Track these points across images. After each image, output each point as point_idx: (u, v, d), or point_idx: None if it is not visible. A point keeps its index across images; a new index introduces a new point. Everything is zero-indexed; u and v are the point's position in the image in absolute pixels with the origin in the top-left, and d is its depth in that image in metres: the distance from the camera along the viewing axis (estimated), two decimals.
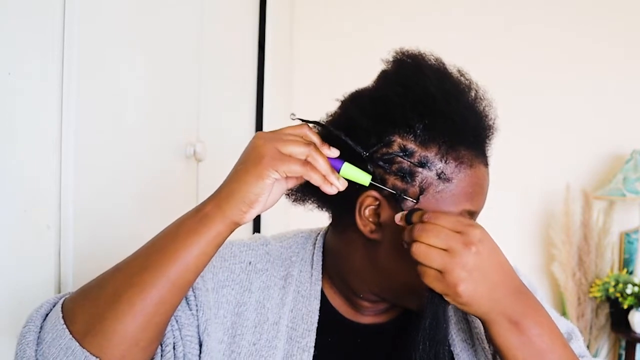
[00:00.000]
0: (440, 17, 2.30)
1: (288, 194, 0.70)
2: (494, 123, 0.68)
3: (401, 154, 0.62)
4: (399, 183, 0.63)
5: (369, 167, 0.63)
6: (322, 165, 0.59)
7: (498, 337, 0.59)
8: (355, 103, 0.67)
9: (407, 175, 0.62)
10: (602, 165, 2.23)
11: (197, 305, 0.68)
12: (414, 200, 0.62)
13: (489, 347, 0.69)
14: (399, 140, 0.62)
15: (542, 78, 2.23)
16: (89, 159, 0.94)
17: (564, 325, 0.74)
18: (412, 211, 0.61)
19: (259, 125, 1.92)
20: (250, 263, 0.73)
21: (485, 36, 2.26)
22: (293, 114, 0.66)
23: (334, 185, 0.60)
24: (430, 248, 0.57)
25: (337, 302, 0.74)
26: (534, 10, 2.25)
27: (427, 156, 0.62)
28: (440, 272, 0.56)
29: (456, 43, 2.11)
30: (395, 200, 0.63)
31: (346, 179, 0.62)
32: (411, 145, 0.62)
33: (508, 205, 2.27)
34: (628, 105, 2.20)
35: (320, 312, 0.71)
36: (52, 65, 0.86)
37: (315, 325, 0.69)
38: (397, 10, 2.32)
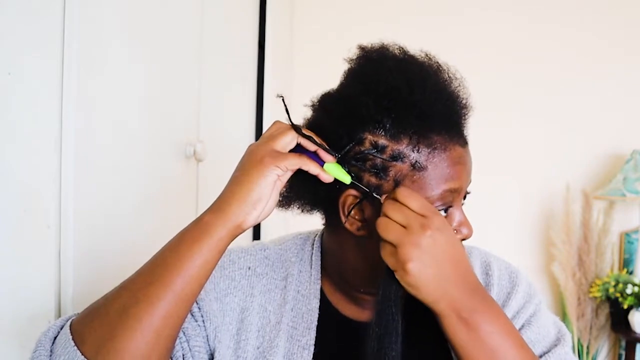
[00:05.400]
0: (442, 16, 2.30)
1: None
2: (466, 102, 0.67)
3: (373, 151, 0.63)
4: (373, 179, 0.63)
5: (344, 167, 0.64)
6: (312, 147, 0.63)
7: (449, 332, 0.59)
8: (324, 105, 0.68)
9: (381, 171, 0.63)
10: (602, 165, 2.23)
11: (202, 316, 0.68)
12: None
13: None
14: (369, 137, 0.63)
15: (542, 78, 2.23)
16: (89, 159, 0.94)
17: (555, 328, 0.74)
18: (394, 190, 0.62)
19: (259, 125, 1.92)
20: (249, 268, 0.73)
21: (484, 35, 2.26)
22: (280, 94, 0.67)
23: (327, 159, 0.63)
24: (391, 222, 0.59)
25: (337, 301, 0.74)
26: (533, 9, 2.25)
27: (398, 149, 0.62)
28: (395, 246, 0.58)
29: (457, 42, 2.11)
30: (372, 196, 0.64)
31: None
32: (382, 141, 0.63)
33: (508, 205, 2.27)
34: (628, 105, 2.20)
35: (320, 311, 0.71)
36: (52, 65, 0.86)
37: (315, 323, 0.70)
38: (397, 10, 2.32)
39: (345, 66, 0.69)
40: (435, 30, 2.24)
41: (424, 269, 0.57)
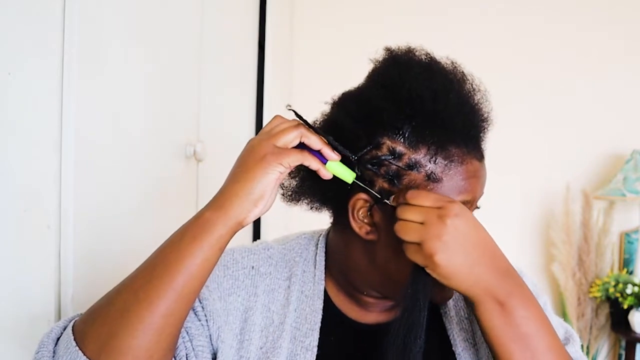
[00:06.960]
0: (442, 15, 2.30)
1: (283, 194, 0.71)
2: (488, 115, 0.67)
3: (390, 157, 0.62)
4: (386, 185, 0.63)
5: (356, 170, 0.63)
6: (316, 143, 0.62)
7: (483, 317, 0.59)
8: (344, 104, 0.67)
9: (395, 178, 0.62)
10: (602, 165, 2.23)
11: (206, 316, 0.68)
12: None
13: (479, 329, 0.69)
14: (388, 142, 0.62)
15: (542, 78, 2.23)
16: (89, 159, 0.94)
17: (563, 328, 0.74)
18: (399, 192, 0.62)
19: (259, 125, 1.92)
20: (253, 267, 0.72)
21: (484, 35, 2.26)
22: (289, 105, 0.66)
23: (331, 158, 0.62)
24: (408, 223, 0.59)
25: (341, 302, 0.74)
26: (534, 9, 2.25)
27: (416, 158, 0.62)
28: (419, 244, 0.58)
29: (457, 41, 2.10)
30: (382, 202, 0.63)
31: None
32: (400, 148, 0.62)
33: (508, 205, 2.27)
34: (628, 105, 2.20)
35: (323, 312, 0.71)
36: (52, 65, 0.86)
37: (319, 324, 0.69)
38: (397, 9, 2.31)
39: (370, 66, 0.68)
40: (435, 29, 2.24)
41: (451, 258, 0.57)
